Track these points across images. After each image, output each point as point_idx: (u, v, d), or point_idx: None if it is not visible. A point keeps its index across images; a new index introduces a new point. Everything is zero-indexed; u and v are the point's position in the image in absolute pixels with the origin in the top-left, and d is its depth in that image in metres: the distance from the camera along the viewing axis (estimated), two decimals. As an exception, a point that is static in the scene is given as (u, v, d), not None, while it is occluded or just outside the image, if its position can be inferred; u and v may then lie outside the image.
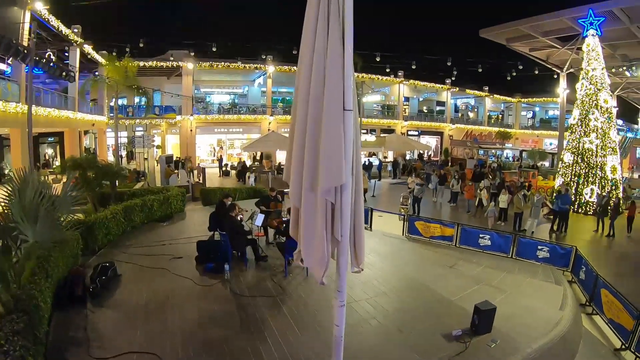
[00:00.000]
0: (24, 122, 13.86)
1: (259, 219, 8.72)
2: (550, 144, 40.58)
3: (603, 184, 16.74)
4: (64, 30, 17.98)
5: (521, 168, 25.11)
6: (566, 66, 24.43)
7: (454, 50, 51.02)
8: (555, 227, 13.97)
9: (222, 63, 28.54)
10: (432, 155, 37.99)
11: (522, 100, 43.61)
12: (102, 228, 8.57)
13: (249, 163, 27.12)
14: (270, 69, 29.23)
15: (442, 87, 38.17)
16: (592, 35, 17.77)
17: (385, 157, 32.42)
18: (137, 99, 28.57)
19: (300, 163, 2.86)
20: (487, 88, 40.46)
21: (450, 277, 8.39)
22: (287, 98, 36.49)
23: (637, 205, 14.52)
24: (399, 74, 35.03)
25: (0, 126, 15.72)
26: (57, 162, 23.54)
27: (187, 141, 28.78)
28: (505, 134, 41.06)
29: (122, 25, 45.87)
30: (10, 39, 9.84)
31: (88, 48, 21.43)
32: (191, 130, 28.82)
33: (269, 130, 28.32)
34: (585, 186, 17.04)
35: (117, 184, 12.91)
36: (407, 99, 38.43)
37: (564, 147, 19.09)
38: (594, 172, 16.96)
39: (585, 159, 17.18)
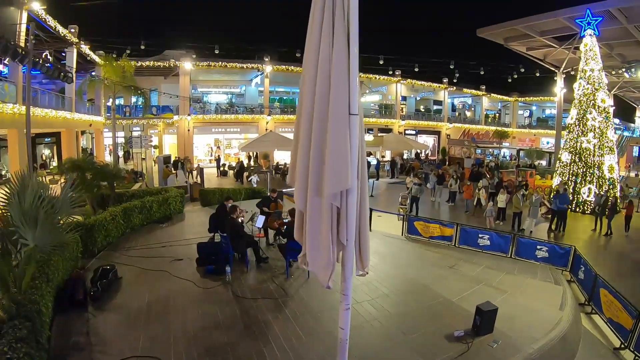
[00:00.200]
0: (21, 123, 13.76)
1: (260, 220, 8.70)
2: (548, 142, 40.76)
3: (600, 183, 16.83)
4: (61, 30, 17.86)
5: (519, 167, 25.17)
6: (563, 65, 24.51)
7: (452, 49, 51.19)
8: (553, 227, 14.03)
9: (220, 62, 28.45)
10: (429, 155, 38.06)
11: (519, 99, 43.77)
12: (102, 230, 8.53)
13: (246, 163, 27.06)
14: (268, 68, 29.17)
15: (439, 86, 38.25)
16: (590, 35, 17.84)
17: (382, 157, 32.46)
18: (134, 99, 28.46)
19: (305, 167, 2.85)
20: (484, 87, 40.55)
21: (451, 278, 8.41)
22: (285, 97, 36.48)
23: (634, 204, 14.61)
24: (397, 73, 35.05)
25: (-2, 127, 15.61)
26: (55, 163, 23.42)
27: (184, 141, 28.67)
28: (502, 133, 41.21)
29: (118, 25, 45.64)
30: (8, 40, 9.75)
31: (85, 48, 21.31)
32: (188, 130, 28.72)
33: (266, 129, 28.29)
34: (582, 185, 17.13)
35: (114, 184, 12.84)
36: (404, 98, 38.49)
37: (562, 147, 19.17)
38: (591, 171, 17.05)
39: (583, 159, 17.26)
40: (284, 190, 13.87)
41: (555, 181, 18.46)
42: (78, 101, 21.65)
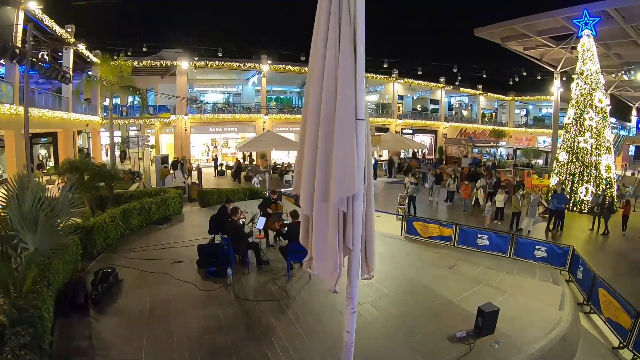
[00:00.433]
0: (18, 123, 13.66)
1: (261, 222, 8.68)
2: (544, 141, 40.93)
3: (598, 182, 16.94)
4: (58, 30, 17.72)
5: (516, 167, 25.27)
6: (560, 65, 24.61)
7: (450, 49, 51.28)
8: (551, 226, 14.11)
9: (217, 62, 28.36)
10: (426, 154, 38.12)
11: (516, 98, 43.92)
12: (101, 232, 8.47)
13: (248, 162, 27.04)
14: (265, 68, 29.10)
15: (436, 86, 38.29)
16: (587, 35, 17.92)
17: (380, 156, 32.47)
18: (130, 99, 28.31)
19: (311, 173, 2.86)
20: (480, 86, 40.66)
21: (451, 278, 8.45)
22: (282, 97, 36.44)
23: (631, 203, 14.71)
24: (394, 72, 35.07)
25: (-5, 128, 15.46)
26: (51, 163, 23.27)
27: (181, 141, 28.58)
28: (499, 132, 41.34)
29: (114, 24, 45.34)
30: (6, 42, 9.64)
31: (82, 48, 21.16)
32: (185, 130, 28.63)
33: (263, 129, 28.26)
34: (580, 185, 17.24)
35: (113, 185, 12.77)
36: (401, 97, 38.51)
37: (559, 146, 19.27)
38: (588, 171, 17.15)
39: (580, 158, 17.37)
40: (282, 190, 13.88)
41: (553, 181, 18.56)
42: (75, 101, 21.50)
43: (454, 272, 9.04)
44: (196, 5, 64.18)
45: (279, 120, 30.96)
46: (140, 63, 25.56)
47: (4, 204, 5.37)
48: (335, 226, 2.82)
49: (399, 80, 35.73)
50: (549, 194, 16.01)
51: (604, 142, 17.35)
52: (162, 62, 26.97)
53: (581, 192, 17.13)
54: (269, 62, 29.25)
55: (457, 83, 37.95)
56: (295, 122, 31.36)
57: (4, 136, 15.91)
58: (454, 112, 44.40)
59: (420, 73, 34.96)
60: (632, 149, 38.78)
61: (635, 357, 6.39)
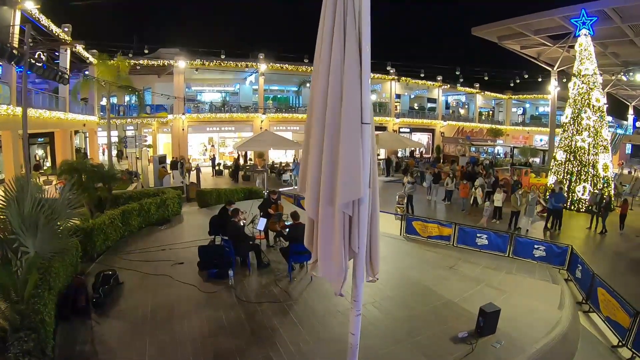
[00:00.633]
0: (15, 123, 13.58)
1: (261, 223, 8.66)
2: (541, 140, 41.08)
3: (595, 181, 17.02)
4: (55, 29, 17.61)
5: (514, 165, 25.34)
6: (557, 64, 24.68)
7: (448, 48, 51.34)
8: (549, 225, 14.16)
9: (214, 61, 28.25)
10: (423, 152, 38.15)
11: (513, 97, 44.02)
12: (101, 234, 8.42)
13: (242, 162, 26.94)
14: (262, 67, 29.03)
15: (433, 84, 38.29)
16: (585, 35, 18.00)
17: (377, 155, 32.37)
18: (127, 98, 28.16)
19: (317, 176, 2.86)
20: (477, 85, 40.74)
21: (451, 279, 8.48)
22: (279, 96, 36.36)
23: (629, 202, 14.80)
24: (391, 71, 35.05)
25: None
26: (48, 164, 23.14)
27: (178, 140, 28.49)
28: (496, 130, 41.43)
29: (112, 24, 45.10)
30: (4, 43, 9.55)
31: (79, 47, 21.04)
32: (183, 129, 28.52)
33: (261, 128, 28.20)
34: (577, 184, 17.32)
35: (111, 186, 12.70)
36: (398, 96, 38.48)
37: (557, 145, 19.35)
38: (586, 170, 17.24)
39: (578, 157, 17.45)
40: (281, 190, 13.86)
41: (550, 180, 18.64)
42: (72, 101, 21.38)
43: (454, 272, 9.07)
44: (194, 5, 63.94)
45: (277, 119, 30.91)
46: (137, 62, 25.44)
47: (3, 205, 5.32)
48: (341, 229, 2.82)
49: (396, 79, 35.71)
50: (547, 193, 16.07)
51: (602, 141, 17.45)
52: (159, 61, 26.87)
53: (579, 191, 17.21)
54: (267, 61, 29.18)
55: (455, 81, 37.99)
56: (293, 121, 31.29)
57: (1, 137, 15.79)
58: (451, 111, 44.47)
59: (415, 70, 34.97)
60: (628, 148, 39.06)
61: (634, 355, 6.44)
